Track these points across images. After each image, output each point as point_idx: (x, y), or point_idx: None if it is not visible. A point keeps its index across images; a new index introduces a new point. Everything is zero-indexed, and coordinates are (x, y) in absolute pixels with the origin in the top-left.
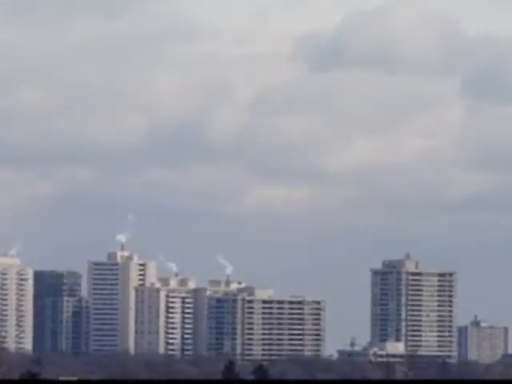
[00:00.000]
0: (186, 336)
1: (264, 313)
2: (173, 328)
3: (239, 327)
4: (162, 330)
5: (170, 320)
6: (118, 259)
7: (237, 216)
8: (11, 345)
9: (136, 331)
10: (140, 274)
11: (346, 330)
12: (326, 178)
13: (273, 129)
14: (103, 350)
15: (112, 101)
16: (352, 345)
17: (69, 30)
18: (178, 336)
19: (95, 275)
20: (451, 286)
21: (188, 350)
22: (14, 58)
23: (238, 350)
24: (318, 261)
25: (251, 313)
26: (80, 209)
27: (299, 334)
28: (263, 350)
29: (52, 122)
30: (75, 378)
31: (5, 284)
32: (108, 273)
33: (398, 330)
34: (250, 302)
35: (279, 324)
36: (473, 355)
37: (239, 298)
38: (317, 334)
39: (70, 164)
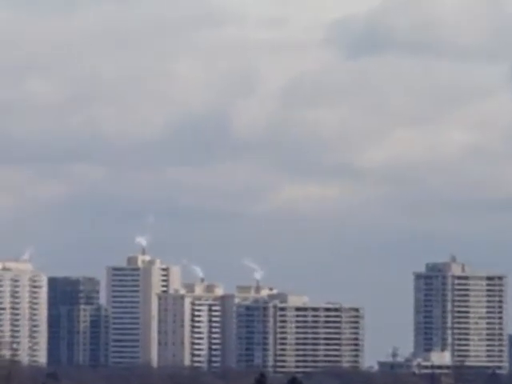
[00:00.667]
0: (214, 347)
1: (298, 321)
2: (199, 338)
3: (271, 337)
4: (187, 340)
5: (196, 330)
6: (139, 264)
7: (266, 216)
8: (24, 358)
9: (159, 342)
10: (163, 280)
11: (387, 340)
12: (362, 174)
13: (304, 121)
14: (123, 362)
15: (128, 92)
16: (394, 355)
17: (81, 16)
18: (205, 347)
19: (114, 281)
20: (501, 291)
21: (215, 361)
22: (23, 46)
23: (270, 361)
24: (356, 264)
25: (284, 321)
26: (95, 210)
27: (336, 344)
28: (297, 361)
29: (64, 115)
30: None
31: (17, 292)
32: (128, 279)
33: (444, 339)
34: (282, 309)
35: (314, 333)
36: None
37: (270, 305)
38: (355, 344)
39: (84, 161)
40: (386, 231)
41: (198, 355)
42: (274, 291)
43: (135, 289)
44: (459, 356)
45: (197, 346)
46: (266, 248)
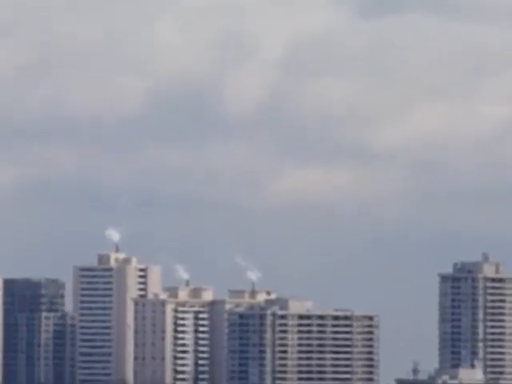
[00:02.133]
0: (201, 362)
1: (301, 331)
2: (183, 352)
3: (269, 350)
4: (168, 354)
5: (180, 342)
6: (112, 263)
7: (264, 207)
8: None
9: (136, 356)
10: (140, 283)
11: (406, 353)
12: (378, 157)
13: (309, 94)
14: (93, 380)
15: (101, 60)
16: (415, 372)
17: None
18: (190, 362)
19: (82, 284)
20: None
21: (203, 379)
22: None
23: (268, 379)
24: (371, 264)
25: (284, 331)
26: (59, 199)
27: (346, 359)
28: (300, 379)
29: (21, 86)
30: None
31: None
32: (99, 281)
33: (475, 353)
34: (282, 317)
35: (320, 345)
36: None
37: (268, 312)
38: (369, 359)
39: (47, 143)
40: (405, 225)
41: (182, 372)
42: (273, 296)
43: (107, 293)
44: (493, 373)
45: (180, 362)
46: (264, 245)
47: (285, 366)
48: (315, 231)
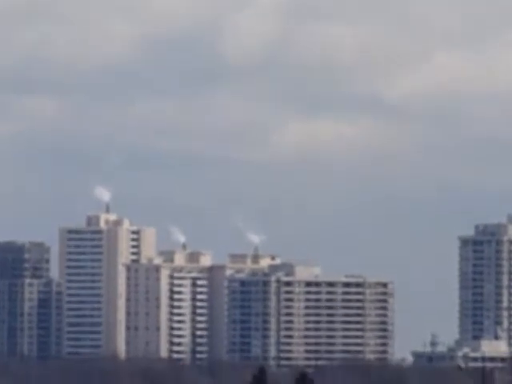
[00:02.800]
0: (199, 333)
1: (308, 300)
2: (179, 322)
3: (273, 320)
4: (164, 324)
5: (176, 311)
6: (102, 225)
7: (267, 163)
8: None
9: (128, 327)
10: (133, 246)
11: (424, 324)
12: (393, 109)
13: (314, 40)
14: (81, 353)
15: (88, 4)
16: (433, 344)
17: None
18: (187, 333)
19: (70, 248)
20: None
21: (201, 352)
22: None
23: (272, 352)
24: (385, 226)
25: (290, 300)
26: (44, 155)
27: (358, 330)
28: (307, 351)
29: (10, 31)
30: None
31: None
32: (87, 244)
33: (498, 323)
34: (288, 284)
35: (329, 315)
36: None
37: (273, 279)
38: (383, 330)
39: (28, 93)
40: (423, 184)
41: (179, 344)
42: (278, 261)
43: (97, 257)
44: None
45: (177, 332)
46: (267, 205)
47: (290, 337)
48: (323, 189)
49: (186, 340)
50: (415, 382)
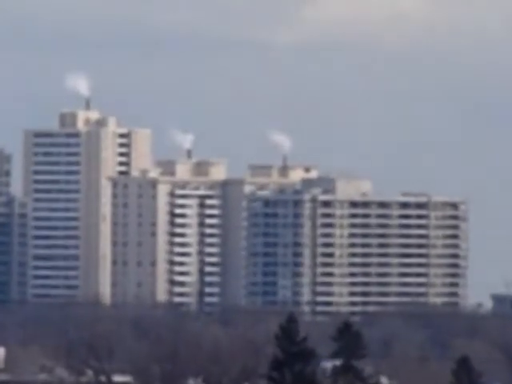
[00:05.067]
0: (208, 270)
1: (353, 225)
2: (182, 255)
3: (307, 253)
4: (162, 258)
5: (178, 240)
6: (80, 126)
7: (294, 46)
8: None
9: (114, 262)
10: (121, 154)
11: (507, 258)
12: None
13: None
14: (52, 296)
15: None
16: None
17: None
18: (193, 270)
19: (37, 156)
20: None
21: (211, 295)
22: None
23: (305, 295)
24: (454, 130)
25: (330, 225)
26: (2, 33)
27: (420, 265)
28: (351, 294)
29: None
30: None
31: None
32: (61, 151)
33: None
34: (327, 204)
35: (382, 246)
36: None
37: (307, 197)
38: (453, 265)
39: None
40: (489, 72)
41: (182, 284)
42: (313, 174)
43: (73, 169)
44: None
45: (179, 269)
46: (297, 101)
47: (330, 275)
48: (371, 79)
49: (192, 279)
50: (496, 334)
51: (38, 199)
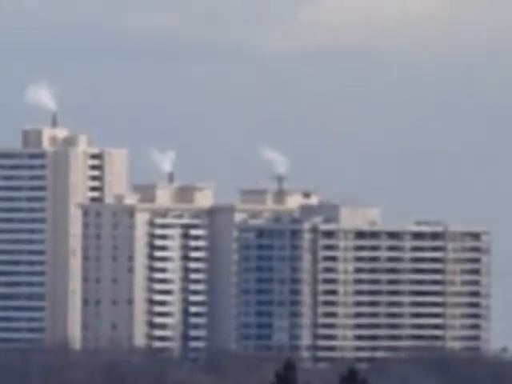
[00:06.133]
0: (193, 310)
1: (360, 258)
2: (164, 293)
3: (307, 290)
4: (139, 296)
5: (159, 276)
6: (45, 145)
7: (288, 53)
8: None
9: (85, 301)
10: (93, 178)
11: None
12: None
13: None
14: (15, 340)
15: None
16: None
17: None
18: (176, 310)
19: None
20: None
21: (197, 339)
22: None
23: (304, 338)
24: (476, 149)
25: (333, 259)
26: None
27: (435, 305)
28: (357, 337)
29: None
30: None
31: None
32: (24, 174)
33: None
34: (328, 234)
35: (392, 283)
36: None
37: (306, 226)
38: (473, 304)
39: None
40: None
41: (163, 327)
42: (313, 199)
43: (38, 195)
44: None
45: (160, 309)
46: (295, 116)
47: (333, 316)
48: (381, 85)
49: (174, 320)
50: None
51: None
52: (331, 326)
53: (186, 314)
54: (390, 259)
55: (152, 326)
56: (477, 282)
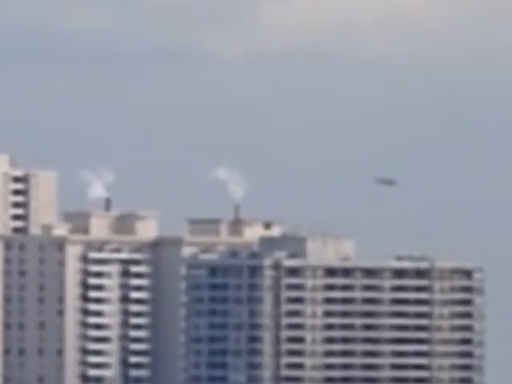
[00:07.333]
0: (134, 360)
1: (331, 300)
2: (99, 340)
3: (268, 337)
4: (70, 345)
5: (93, 320)
6: None
7: (243, 59)
8: None
9: (7, 350)
10: (17, 205)
11: None
12: None
13: None
14: None
15: None
16: None
17: None
18: (113, 360)
19: None
20: None
21: None
22: None
23: None
24: (465, 171)
25: (298, 300)
26: None
27: (420, 354)
28: None
29: None
30: None
31: None
32: None
33: None
34: (293, 271)
35: (369, 328)
36: None
37: (267, 262)
38: (464, 354)
39: None
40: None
41: (99, 380)
42: (275, 230)
43: None
44: None
45: (95, 359)
46: (253, 132)
47: (300, 367)
48: (352, 96)
49: (112, 373)
50: None
51: None
52: (296, 379)
53: (125, 365)
54: (366, 301)
55: (85, 379)
56: (468, 328)
